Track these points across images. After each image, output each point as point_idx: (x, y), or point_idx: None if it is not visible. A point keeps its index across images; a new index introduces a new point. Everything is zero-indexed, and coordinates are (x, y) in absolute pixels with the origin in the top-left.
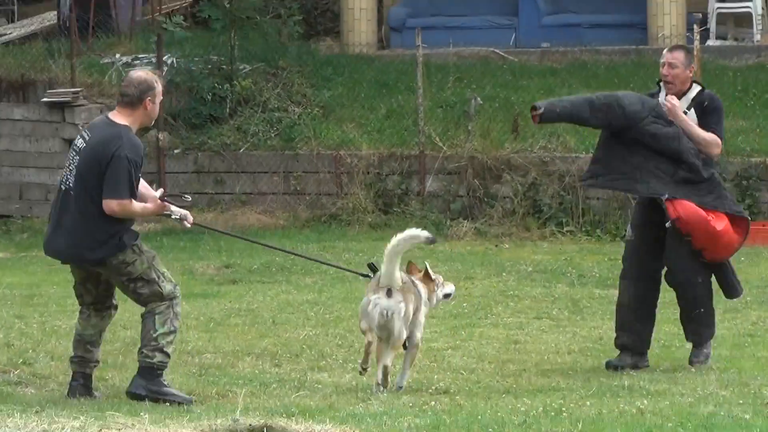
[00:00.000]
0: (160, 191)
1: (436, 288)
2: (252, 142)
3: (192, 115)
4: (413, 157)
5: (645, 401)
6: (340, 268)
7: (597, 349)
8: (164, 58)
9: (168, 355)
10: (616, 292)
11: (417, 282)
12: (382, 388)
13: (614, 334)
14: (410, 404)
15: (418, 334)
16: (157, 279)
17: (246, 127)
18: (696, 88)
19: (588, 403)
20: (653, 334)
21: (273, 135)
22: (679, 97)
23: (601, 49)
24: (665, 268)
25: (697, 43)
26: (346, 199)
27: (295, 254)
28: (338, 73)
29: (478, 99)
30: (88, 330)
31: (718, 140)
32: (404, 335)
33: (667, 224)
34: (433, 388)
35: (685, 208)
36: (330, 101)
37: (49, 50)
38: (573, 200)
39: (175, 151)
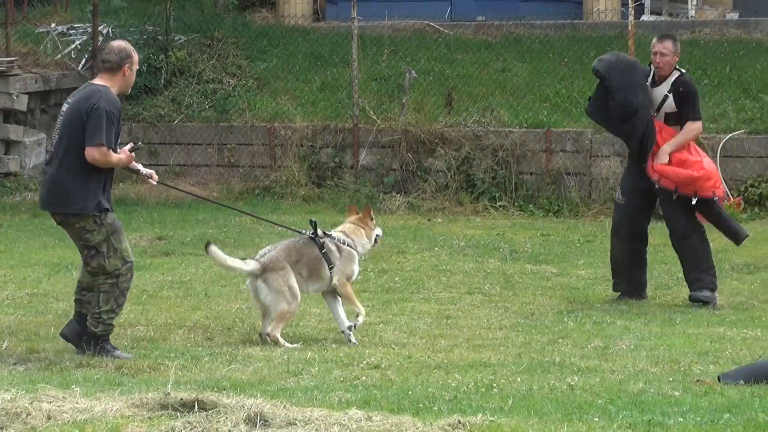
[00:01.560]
0: (130, 145)
1: (373, 227)
2: (186, 114)
3: None
4: (347, 130)
5: (576, 378)
6: (285, 227)
7: (528, 325)
8: (99, 28)
9: (110, 326)
10: (548, 268)
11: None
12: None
13: (612, 281)
14: (341, 379)
15: (335, 279)
16: (106, 253)
17: (180, 99)
18: (675, 74)
19: (519, 379)
20: (647, 276)
21: (207, 107)
22: (662, 82)
23: (536, 23)
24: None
25: (631, 18)
26: (280, 172)
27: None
28: (273, 44)
29: (413, 72)
30: (85, 277)
31: (695, 126)
32: (278, 306)
33: (656, 187)
34: (365, 362)
35: (659, 169)
36: (264, 73)
37: None
38: (506, 175)
39: None
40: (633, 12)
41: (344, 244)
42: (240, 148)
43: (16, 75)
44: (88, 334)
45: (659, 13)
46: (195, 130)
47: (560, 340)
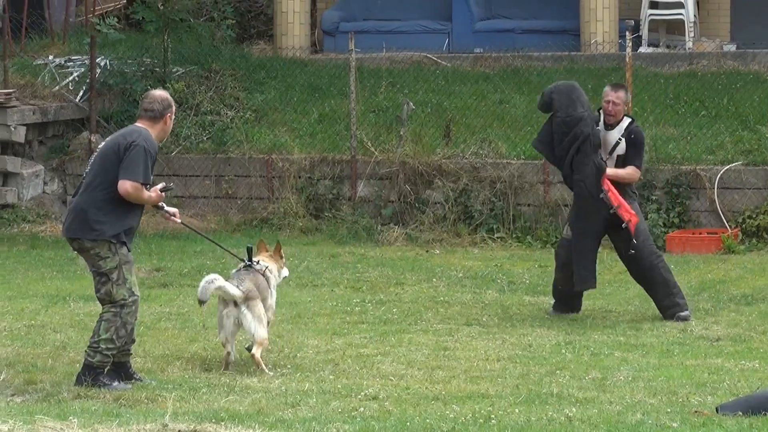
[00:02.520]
0: (161, 185)
1: (283, 265)
2: (184, 146)
3: (124, 118)
4: (345, 161)
5: (573, 409)
6: (225, 249)
7: (526, 356)
8: (97, 60)
9: (108, 357)
10: (545, 299)
11: (266, 266)
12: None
13: (552, 300)
14: (339, 410)
15: (270, 314)
16: (115, 281)
17: (178, 130)
18: (627, 120)
19: (517, 410)
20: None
21: (205, 138)
22: (614, 126)
23: (533, 55)
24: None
25: (629, 50)
26: (278, 204)
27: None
28: (271, 76)
29: (411, 104)
30: None
31: (636, 173)
32: (260, 332)
33: (624, 226)
34: (362, 394)
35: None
36: (262, 105)
37: None
38: (504, 206)
39: None
40: (630, 44)
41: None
42: (238, 180)
43: (14, 107)
44: (84, 365)
45: (657, 45)
46: (193, 162)
47: (558, 372)
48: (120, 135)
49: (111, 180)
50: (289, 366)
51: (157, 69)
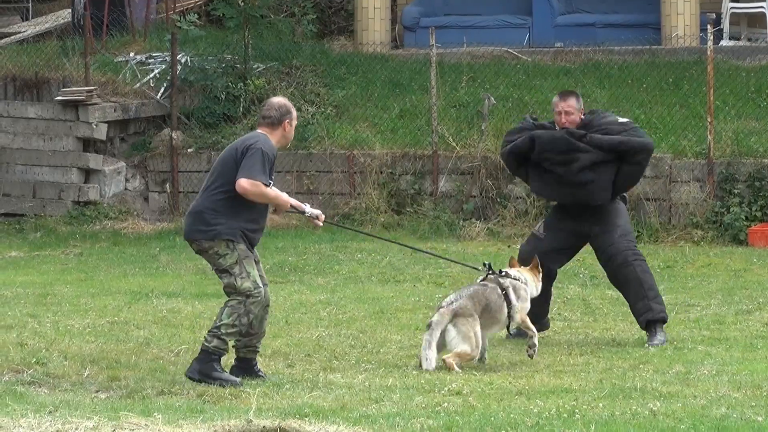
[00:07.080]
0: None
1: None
2: None
3: (205, 114)
4: (426, 156)
5: (658, 403)
6: (458, 262)
7: (609, 351)
8: (178, 57)
9: (225, 343)
10: None
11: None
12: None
13: None
14: (423, 405)
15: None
16: (238, 274)
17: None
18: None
19: (601, 404)
20: (549, 308)
21: None
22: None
23: (614, 49)
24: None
25: (710, 43)
26: (359, 199)
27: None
28: (352, 72)
29: (492, 99)
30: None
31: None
32: (462, 347)
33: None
34: (446, 389)
35: None
36: (343, 100)
37: (63, 48)
38: None
39: (189, 150)
40: (712, 37)
41: (521, 281)
42: (319, 176)
43: (96, 104)
44: (200, 350)
45: (738, 38)
46: None
47: (641, 366)
48: (239, 140)
49: (228, 182)
50: (372, 362)
51: (238, 65)
